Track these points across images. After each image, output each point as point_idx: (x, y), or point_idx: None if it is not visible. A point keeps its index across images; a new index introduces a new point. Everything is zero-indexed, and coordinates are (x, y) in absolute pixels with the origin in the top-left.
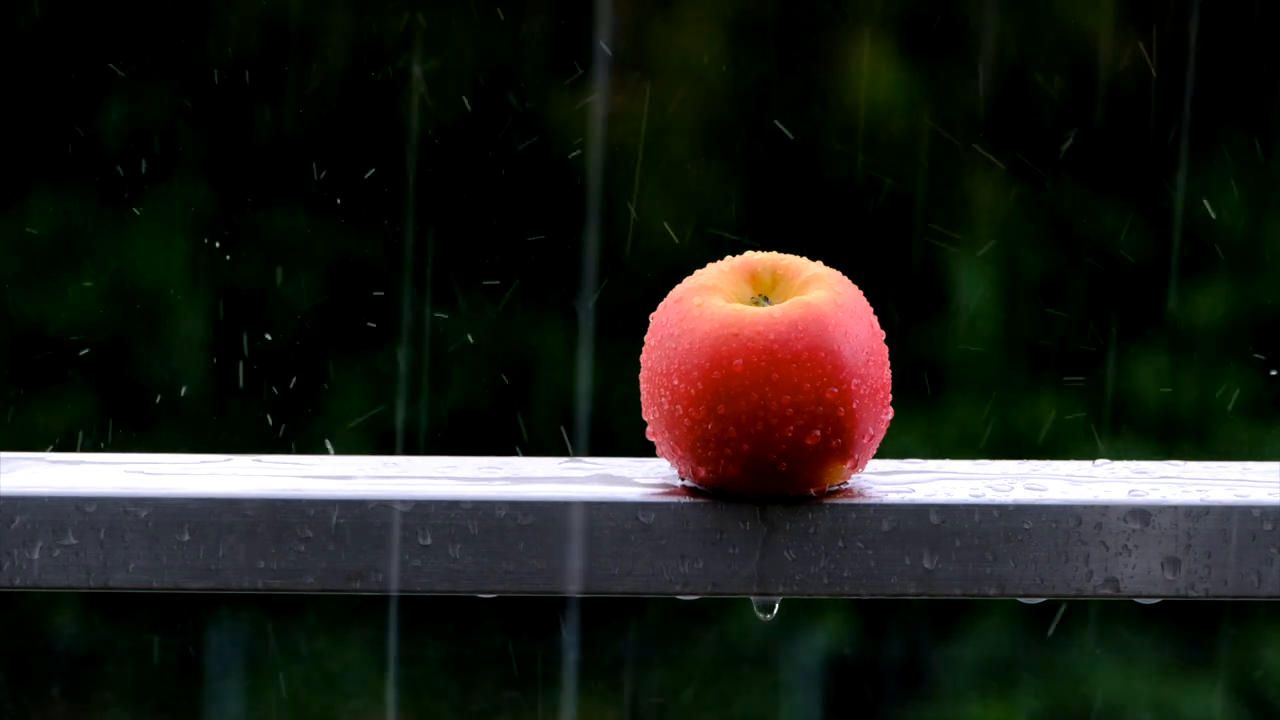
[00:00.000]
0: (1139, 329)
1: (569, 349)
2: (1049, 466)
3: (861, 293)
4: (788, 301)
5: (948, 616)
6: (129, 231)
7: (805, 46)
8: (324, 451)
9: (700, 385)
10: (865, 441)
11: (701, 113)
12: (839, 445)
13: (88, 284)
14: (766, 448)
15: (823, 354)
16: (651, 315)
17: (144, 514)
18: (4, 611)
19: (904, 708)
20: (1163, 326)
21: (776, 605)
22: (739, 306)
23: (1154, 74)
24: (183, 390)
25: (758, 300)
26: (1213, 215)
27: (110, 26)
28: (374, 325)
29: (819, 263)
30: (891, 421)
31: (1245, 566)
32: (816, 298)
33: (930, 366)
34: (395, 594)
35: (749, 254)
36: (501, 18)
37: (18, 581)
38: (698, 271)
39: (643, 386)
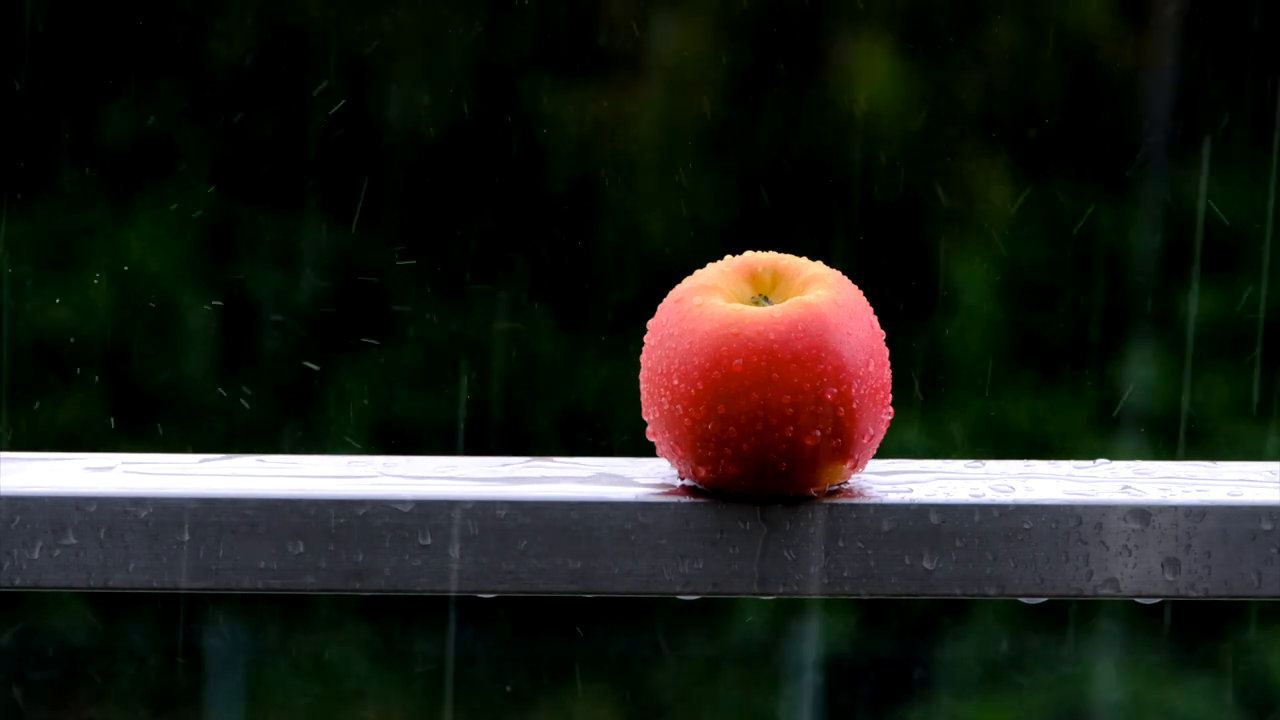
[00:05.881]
0: (1139, 328)
1: (569, 348)
2: (1049, 466)
3: (861, 293)
4: (788, 301)
5: (947, 616)
6: (130, 231)
7: (805, 45)
8: (325, 451)
9: (700, 385)
10: (865, 441)
11: (701, 111)
12: (839, 445)
13: (89, 284)
14: (766, 448)
15: (823, 354)
16: (651, 315)
17: (144, 514)
18: (4, 611)
19: (904, 708)
20: (1163, 325)
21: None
22: (739, 306)
23: (1156, 71)
24: (183, 390)
25: (758, 300)
26: (1214, 214)
27: (112, 26)
28: (374, 325)
29: (819, 263)
30: (891, 421)
31: (1245, 566)
32: (817, 298)
33: (930, 366)
34: (395, 594)
35: (749, 254)
36: (501, 17)
37: (18, 581)
38: (698, 271)
39: (643, 386)
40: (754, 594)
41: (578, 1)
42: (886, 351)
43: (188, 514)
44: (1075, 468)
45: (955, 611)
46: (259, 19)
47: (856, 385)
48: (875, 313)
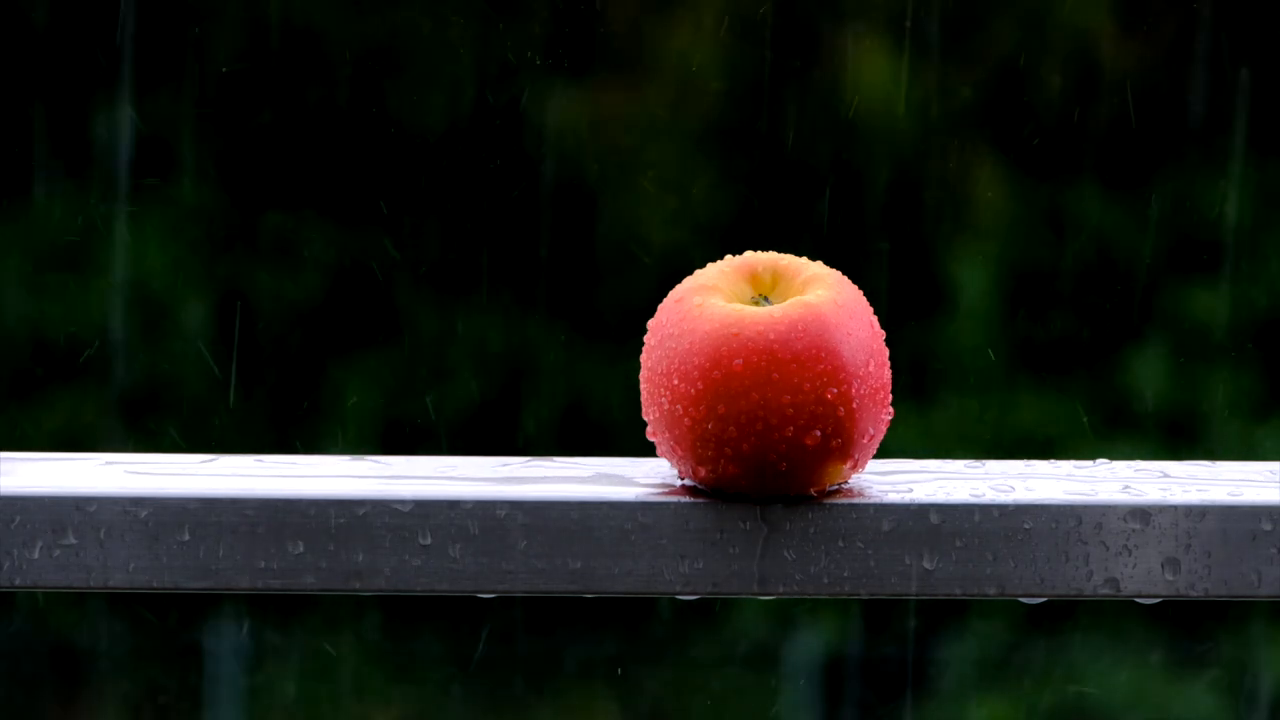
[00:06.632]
0: (1139, 328)
1: (569, 348)
2: (1049, 466)
3: (861, 293)
4: (788, 301)
5: (948, 616)
6: (130, 231)
7: (804, 45)
8: (324, 451)
9: (700, 385)
10: (865, 441)
11: (700, 111)
12: (839, 445)
13: (88, 284)
14: (766, 448)
15: (823, 354)
16: (651, 315)
17: (144, 514)
18: (4, 611)
19: (904, 707)
20: (1163, 326)
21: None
22: (739, 306)
23: (1155, 71)
24: (183, 390)
25: (758, 300)
26: (1213, 214)
27: (112, 26)
28: (374, 325)
29: (819, 263)
30: (891, 421)
31: (1245, 566)
32: (817, 298)
33: (930, 366)
34: (395, 594)
35: (749, 254)
36: (500, 17)
37: (18, 581)
38: (698, 271)
39: (643, 386)
40: (754, 594)
41: (580, 1)
42: (886, 351)
43: (188, 514)
44: (1075, 468)
45: (955, 611)
46: (259, 17)
47: (856, 385)
48: (875, 313)
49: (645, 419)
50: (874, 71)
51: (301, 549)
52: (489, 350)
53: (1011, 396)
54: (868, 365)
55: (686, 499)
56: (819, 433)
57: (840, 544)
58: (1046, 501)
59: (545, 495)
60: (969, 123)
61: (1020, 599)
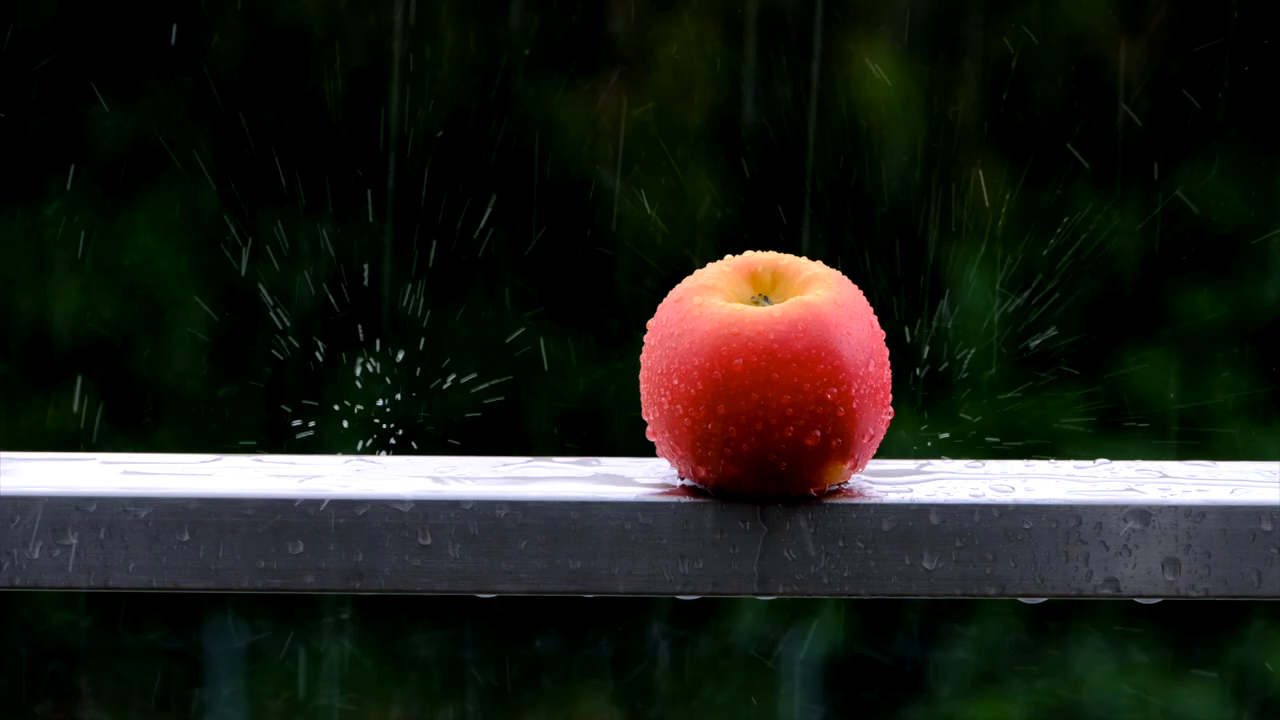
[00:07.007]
0: (1139, 328)
1: (569, 348)
2: (1049, 466)
3: (861, 293)
4: (788, 301)
5: (947, 616)
6: (129, 231)
7: (805, 45)
8: (324, 451)
9: (700, 385)
10: (865, 441)
11: (701, 111)
12: (839, 445)
13: (88, 284)
14: (766, 448)
15: (823, 354)
16: (651, 315)
17: (144, 514)
18: (4, 611)
19: (904, 708)
20: (1163, 326)
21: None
22: (739, 306)
23: (1156, 71)
24: (183, 390)
25: (758, 300)
26: (1213, 214)
27: (111, 25)
28: (373, 325)
29: (819, 263)
30: (892, 421)
31: (1245, 566)
32: (817, 297)
33: (930, 366)
34: (395, 594)
35: (749, 254)
36: (500, 15)
37: (18, 581)
38: (698, 271)
39: (643, 386)
40: (754, 594)
41: (580, 0)
42: (886, 351)
43: (188, 514)
44: (1075, 468)
45: (955, 611)
46: (257, 16)
47: (856, 385)
48: (875, 313)
49: (645, 419)
50: (875, 71)
51: (301, 549)
52: (489, 350)
53: (1012, 397)
54: (868, 365)
55: (686, 499)
56: (819, 433)
57: (840, 544)
58: (1046, 501)
59: (545, 495)
60: (970, 122)
61: (1020, 599)
